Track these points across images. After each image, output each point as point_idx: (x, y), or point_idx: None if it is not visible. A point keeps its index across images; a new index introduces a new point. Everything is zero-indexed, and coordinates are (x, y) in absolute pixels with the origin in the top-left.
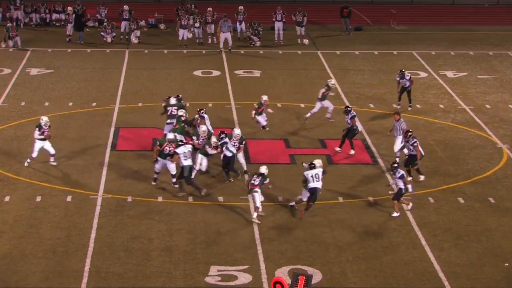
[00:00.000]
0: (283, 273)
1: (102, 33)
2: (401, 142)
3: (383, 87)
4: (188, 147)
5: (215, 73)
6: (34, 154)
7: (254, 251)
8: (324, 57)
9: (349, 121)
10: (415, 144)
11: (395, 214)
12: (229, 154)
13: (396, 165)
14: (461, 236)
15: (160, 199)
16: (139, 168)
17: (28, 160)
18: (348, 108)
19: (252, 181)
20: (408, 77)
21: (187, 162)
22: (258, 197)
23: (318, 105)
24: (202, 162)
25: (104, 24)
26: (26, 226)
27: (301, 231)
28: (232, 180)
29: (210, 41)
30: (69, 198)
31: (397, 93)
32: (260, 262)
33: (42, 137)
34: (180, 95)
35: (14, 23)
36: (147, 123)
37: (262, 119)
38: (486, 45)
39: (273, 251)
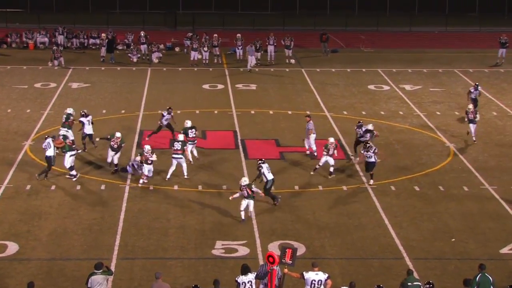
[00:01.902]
0: (274, 247)
1: (129, 54)
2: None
3: (354, 97)
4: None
5: (220, 86)
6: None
7: (251, 229)
8: (307, 74)
9: (362, 133)
10: (376, 151)
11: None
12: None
13: (369, 144)
14: (416, 217)
15: (176, 187)
16: (159, 163)
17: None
18: (360, 123)
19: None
20: (478, 90)
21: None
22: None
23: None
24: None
25: (131, 47)
26: (68, 209)
27: (289, 214)
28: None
29: (216, 61)
30: (102, 187)
31: (468, 100)
32: (256, 238)
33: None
34: (171, 108)
35: (59, 46)
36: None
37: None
38: (436, 64)
39: (266, 229)
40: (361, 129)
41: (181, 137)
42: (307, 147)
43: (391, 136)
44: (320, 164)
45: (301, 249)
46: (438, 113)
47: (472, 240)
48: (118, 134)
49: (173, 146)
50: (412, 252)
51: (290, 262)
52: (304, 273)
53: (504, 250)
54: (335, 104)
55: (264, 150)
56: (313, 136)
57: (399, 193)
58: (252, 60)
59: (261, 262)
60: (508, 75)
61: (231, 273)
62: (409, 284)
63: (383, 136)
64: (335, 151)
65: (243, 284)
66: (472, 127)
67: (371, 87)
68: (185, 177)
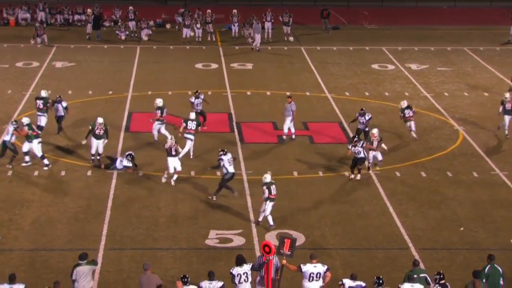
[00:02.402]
0: (271, 237)
1: (117, 32)
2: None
3: (357, 77)
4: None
5: (214, 65)
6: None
7: (247, 217)
8: (306, 52)
9: (365, 122)
10: (364, 145)
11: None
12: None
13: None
14: (423, 204)
15: (167, 173)
16: (149, 147)
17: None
18: (363, 110)
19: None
20: None
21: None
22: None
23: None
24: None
25: (119, 23)
26: (52, 197)
27: (287, 201)
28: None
29: (209, 38)
30: (89, 173)
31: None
32: (252, 227)
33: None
34: (198, 91)
35: (42, 23)
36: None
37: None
38: (445, 41)
39: (263, 218)
40: (364, 118)
41: (192, 115)
42: (285, 130)
43: (396, 119)
44: (370, 161)
45: (300, 239)
46: (446, 94)
47: (482, 229)
48: (100, 120)
49: (187, 125)
50: (418, 242)
51: (289, 253)
52: (301, 265)
53: None
54: (337, 85)
55: (260, 134)
56: (289, 119)
57: (404, 179)
58: (257, 39)
59: (257, 252)
60: None
61: (225, 264)
62: (414, 276)
63: (388, 118)
64: (382, 144)
65: (238, 276)
66: (507, 119)
67: (375, 66)
68: (191, 157)
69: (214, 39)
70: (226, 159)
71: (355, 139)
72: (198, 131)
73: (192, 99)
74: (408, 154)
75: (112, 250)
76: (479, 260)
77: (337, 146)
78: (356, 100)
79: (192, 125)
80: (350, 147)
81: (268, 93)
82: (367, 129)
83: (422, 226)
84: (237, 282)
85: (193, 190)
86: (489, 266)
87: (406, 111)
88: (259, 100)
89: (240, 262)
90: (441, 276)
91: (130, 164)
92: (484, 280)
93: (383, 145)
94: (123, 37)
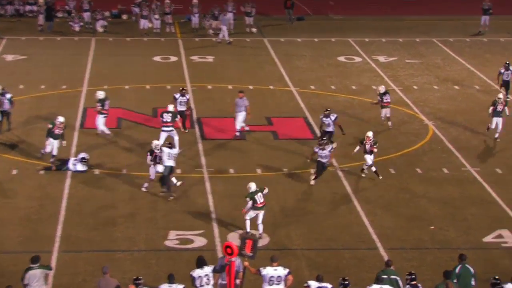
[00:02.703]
0: (234, 237)
1: (70, 23)
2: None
3: (322, 70)
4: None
5: (173, 58)
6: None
7: (209, 217)
8: (270, 44)
9: (331, 123)
10: (332, 150)
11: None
12: None
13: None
14: (392, 202)
15: (124, 171)
16: (105, 144)
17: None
18: (328, 110)
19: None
20: (511, 70)
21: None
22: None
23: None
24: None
25: (72, 14)
26: (2, 196)
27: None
28: None
29: (168, 30)
30: (42, 171)
31: (498, 84)
32: (214, 227)
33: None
34: (185, 89)
35: None
36: (111, 103)
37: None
38: (413, 33)
39: (225, 217)
40: (329, 118)
41: (170, 107)
42: (238, 127)
43: (363, 113)
44: (367, 164)
45: (264, 240)
46: (415, 87)
47: (453, 228)
48: (61, 119)
49: (162, 118)
50: (387, 242)
51: (251, 254)
52: (261, 268)
53: (488, 239)
54: (301, 78)
55: (222, 130)
56: (241, 115)
57: (372, 176)
58: (225, 33)
59: (219, 254)
60: (491, 45)
61: (186, 266)
62: (383, 277)
63: (355, 113)
64: (373, 148)
65: (199, 278)
66: (498, 121)
67: (341, 58)
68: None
69: (173, 31)
70: (167, 152)
71: (324, 140)
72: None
73: (177, 95)
74: (377, 150)
75: (67, 252)
76: (451, 260)
77: (302, 142)
78: (322, 94)
79: (167, 117)
80: (316, 149)
81: (230, 87)
82: (332, 129)
83: (391, 225)
84: (197, 285)
85: (152, 189)
86: (460, 266)
87: (384, 97)
88: (221, 95)
89: (201, 264)
90: (413, 277)
91: (84, 168)
92: (455, 281)
93: (375, 149)
94: (77, 29)
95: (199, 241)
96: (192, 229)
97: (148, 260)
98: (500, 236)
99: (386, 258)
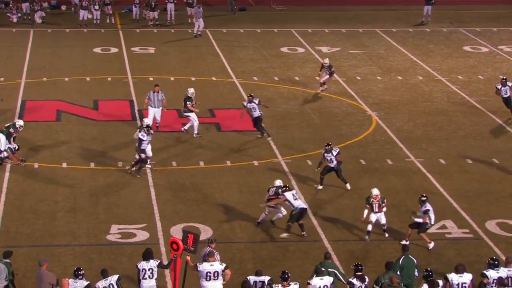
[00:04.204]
0: (177, 231)
1: (8, 14)
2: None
3: (265, 61)
4: None
5: (113, 50)
6: None
7: (151, 211)
8: (212, 35)
9: (334, 159)
10: (337, 154)
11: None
12: None
13: (424, 198)
14: (336, 194)
15: (64, 165)
16: (44, 137)
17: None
18: (329, 145)
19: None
20: (510, 85)
21: None
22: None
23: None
24: None
25: (10, 5)
26: None
27: (194, 192)
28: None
29: (108, 21)
30: None
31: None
32: (156, 220)
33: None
34: (252, 95)
35: None
36: (51, 96)
37: None
38: (356, 23)
39: (168, 211)
40: (331, 154)
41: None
42: (150, 122)
43: (306, 104)
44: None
45: (207, 233)
46: (358, 78)
47: (397, 219)
48: (20, 122)
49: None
50: (331, 234)
51: (192, 248)
52: (198, 264)
53: (432, 229)
54: (244, 69)
55: (163, 122)
56: (153, 110)
57: (316, 168)
58: (200, 23)
59: (162, 247)
60: (434, 35)
61: (128, 260)
62: (322, 269)
63: (298, 104)
64: (383, 208)
65: (143, 271)
66: None
67: (284, 49)
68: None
69: (113, 22)
70: (290, 194)
71: (329, 146)
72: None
73: (245, 103)
74: (320, 141)
75: (5, 248)
76: (395, 252)
77: (245, 134)
78: (265, 85)
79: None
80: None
81: (172, 78)
82: (335, 166)
83: (335, 217)
84: (141, 278)
85: (92, 183)
86: (403, 257)
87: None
88: (163, 86)
89: (147, 256)
90: (359, 268)
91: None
92: (398, 272)
93: (385, 208)
94: (15, 20)
95: (142, 235)
96: (134, 223)
97: (89, 254)
98: (444, 227)
99: (330, 250)
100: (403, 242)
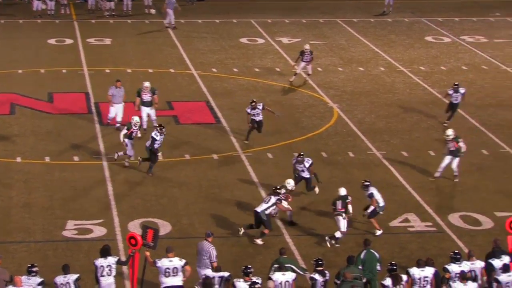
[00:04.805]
0: (135, 226)
1: None
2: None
3: (224, 52)
4: None
5: (68, 41)
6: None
7: (108, 206)
8: (170, 26)
9: (305, 169)
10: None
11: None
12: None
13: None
14: (297, 187)
15: (18, 159)
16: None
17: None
18: (301, 156)
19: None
20: (463, 91)
21: None
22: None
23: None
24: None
25: None
26: None
27: (152, 187)
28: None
29: (63, 11)
30: None
31: (445, 108)
32: (114, 216)
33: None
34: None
35: None
36: (4, 88)
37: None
38: (317, 13)
39: (126, 206)
40: (303, 165)
41: (146, 83)
42: (111, 116)
43: (267, 96)
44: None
45: (166, 228)
46: (319, 69)
47: (359, 213)
48: None
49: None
50: (292, 228)
51: (152, 244)
52: (156, 260)
53: (395, 223)
54: (203, 60)
55: (124, 114)
56: (116, 106)
57: (277, 161)
58: (171, 15)
59: (120, 243)
60: (396, 25)
61: (85, 257)
62: (276, 266)
63: (259, 96)
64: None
65: (101, 268)
66: (451, 160)
67: (244, 40)
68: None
69: (68, 12)
70: (376, 192)
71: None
72: None
73: (248, 109)
74: (280, 134)
75: None
76: (357, 246)
77: (204, 126)
78: (224, 76)
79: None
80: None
81: (129, 70)
82: (307, 175)
83: (296, 211)
84: (99, 275)
85: (47, 178)
86: (365, 251)
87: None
88: (119, 79)
89: (104, 253)
90: (320, 263)
91: None
92: (360, 266)
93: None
94: None
95: (99, 231)
96: (91, 218)
97: (45, 251)
98: (406, 220)
99: (292, 244)
100: (378, 233)
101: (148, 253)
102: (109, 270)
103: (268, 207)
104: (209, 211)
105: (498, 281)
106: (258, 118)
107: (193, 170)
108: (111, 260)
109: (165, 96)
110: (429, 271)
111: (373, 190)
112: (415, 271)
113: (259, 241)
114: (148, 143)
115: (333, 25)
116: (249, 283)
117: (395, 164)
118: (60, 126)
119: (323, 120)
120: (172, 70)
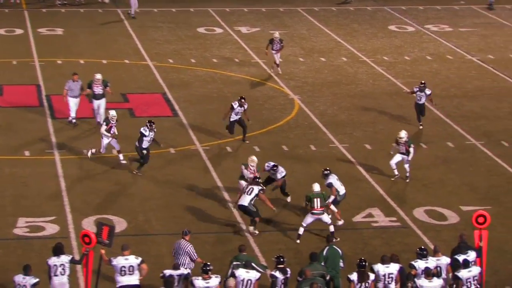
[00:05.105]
0: (89, 223)
1: None
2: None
3: (181, 42)
4: None
5: (18, 31)
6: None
7: (61, 202)
8: (124, 15)
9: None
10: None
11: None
12: None
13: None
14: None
15: None
16: None
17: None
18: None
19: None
20: (428, 93)
21: None
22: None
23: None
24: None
25: None
26: None
27: (106, 183)
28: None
29: (12, 0)
30: None
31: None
32: (67, 212)
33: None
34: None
35: None
36: None
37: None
38: (276, 2)
39: (79, 202)
40: (276, 175)
41: (98, 75)
42: (73, 114)
43: (225, 88)
44: (304, 224)
45: (122, 225)
46: (280, 59)
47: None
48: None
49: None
50: (263, 226)
51: (107, 241)
52: (111, 258)
53: (358, 218)
54: (159, 51)
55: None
56: (72, 101)
57: (236, 154)
58: (135, 3)
59: (73, 241)
60: (358, 14)
61: (37, 255)
62: (235, 263)
63: (217, 88)
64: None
65: (54, 267)
66: (402, 159)
67: (201, 30)
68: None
69: (18, 1)
70: (335, 180)
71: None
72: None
73: (235, 105)
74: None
75: None
76: (320, 242)
77: (160, 119)
78: (181, 67)
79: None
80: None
81: (82, 61)
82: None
83: (262, 208)
84: (52, 274)
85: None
86: (327, 248)
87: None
88: (72, 70)
89: (57, 252)
90: (281, 260)
91: None
92: (323, 263)
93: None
94: None
95: (51, 228)
96: (43, 215)
97: None
98: (370, 215)
99: (252, 241)
100: (339, 222)
101: (103, 251)
102: (63, 269)
103: (252, 199)
104: (166, 207)
105: (458, 278)
106: (238, 117)
107: (149, 165)
108: (65, 259)
109: (120, 88)
110: (394, 268)
111: (332, 179)
112: (380, 268)
113: (256, 231)
114: (137, 142)
115: (294, 14)
116: (207, 280)
117: (358, 158)
118: (10, 120)
119: (283, 112)
120: (127, 61)
